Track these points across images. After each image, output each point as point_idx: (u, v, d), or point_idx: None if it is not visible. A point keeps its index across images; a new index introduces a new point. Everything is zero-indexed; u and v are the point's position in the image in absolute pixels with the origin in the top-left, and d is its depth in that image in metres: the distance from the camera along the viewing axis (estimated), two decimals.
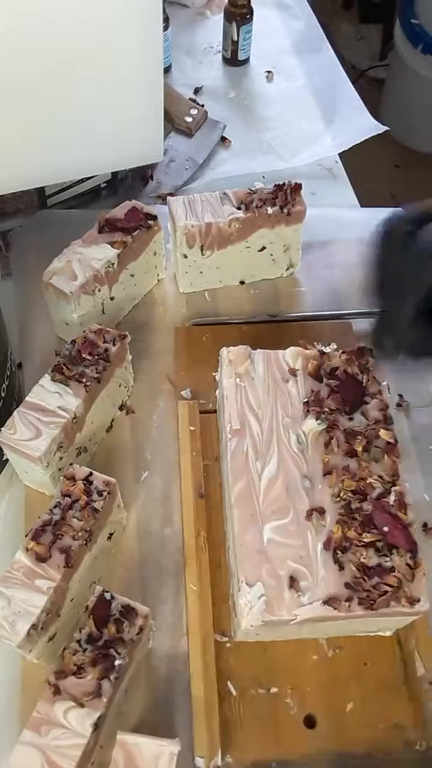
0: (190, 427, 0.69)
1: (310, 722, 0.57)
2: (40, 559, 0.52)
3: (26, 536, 0.53)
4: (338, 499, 0.54)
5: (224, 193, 0.76)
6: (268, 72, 1.10)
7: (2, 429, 0.59)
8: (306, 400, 0.59)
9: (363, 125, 1.00)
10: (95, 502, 0.55)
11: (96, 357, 0.63)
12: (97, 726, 0.47)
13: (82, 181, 0.87)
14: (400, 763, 0.56)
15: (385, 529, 0.52)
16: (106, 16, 0.65)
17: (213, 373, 0.67)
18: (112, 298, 0.74)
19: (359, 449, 0.56)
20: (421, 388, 0.75)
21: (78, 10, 0.63)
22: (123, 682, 0.52)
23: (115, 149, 0.78)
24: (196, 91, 1.07)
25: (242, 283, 0.82)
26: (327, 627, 0.56)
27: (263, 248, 0.79)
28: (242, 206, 0.75)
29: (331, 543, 0.53)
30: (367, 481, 0.55)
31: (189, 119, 0.99)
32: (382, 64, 2.12)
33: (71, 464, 0.58)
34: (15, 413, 0.59)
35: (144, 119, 0.75)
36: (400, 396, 0.74)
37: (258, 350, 0.62)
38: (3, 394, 0.62)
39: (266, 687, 0.58)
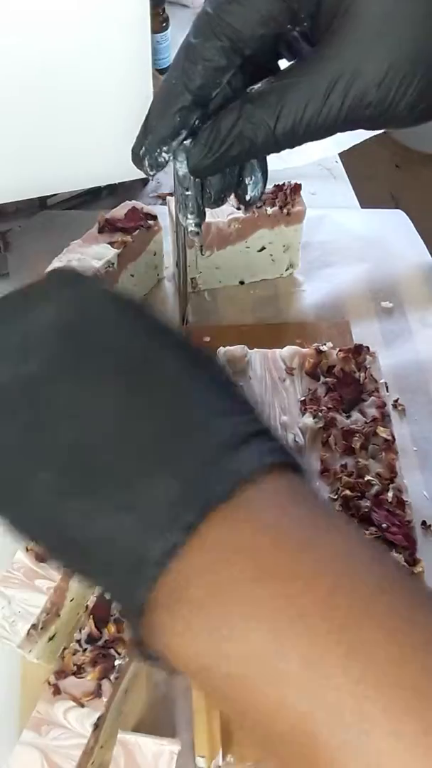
0: None
1: None
2: (40, 559, 0.52)
3: None
4: (336, 497, 0.54)
5: None
6: None
7: None
8: (303, 398, 0.59)
9: None
10: None
11: None
12: (97, 726, 0.47)
13: None
14: None
15: (384, 526, 0.52)
16: (93, 32, 0.65)
17: None
18: None
19: (357, 447, 0.56)
20: (420, 385, 0.75)
21: (65, 24, 0.63)
22: (123, 682, 0.52)
23: (106, 164, 0.78)
24: None
25: (242, 283, 0.82)
26: None
27: (263, 248, 0.79)
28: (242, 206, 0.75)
29: None
30: (365, 479, 0.55)
31: None
32: None
33: None
34: None
35: (134, 136, 0.76)
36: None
37: (255, 350, 0.62)
38: None
39: None
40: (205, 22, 0.34)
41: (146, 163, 0.38)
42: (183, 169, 0.38)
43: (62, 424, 0.26)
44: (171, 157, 0.38)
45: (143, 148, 0.38)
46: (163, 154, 0.37)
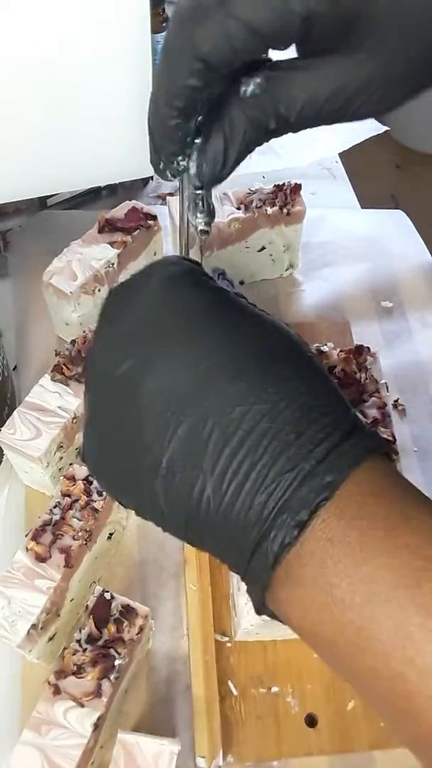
0: None
1: (311, 721, 0.57)
2: (40, 559, 0.52)
3: (26, 536, 0.53)
4: None
5: (224, 194, 0.76)
6: None
7: (2, 429, 0.59)
8: None
9: (363, 125, 1.00)
10: (95, 502, 0.55)
11: None
12: (97, 726, 0.47)
13: None
14: (401, 761, 0.56)
15: None
16: (93, 32, 0.65)
17: None
18: None
19: None
20: (420, 385, 0.75)
21: (65, 24, 0.63)
22: (123, 682, 0.52)
23: (106, 164, 0.78)
24: None
25: (242, 283, 0.82)
26: None
27: (263, 248, 0.79)
28: (242, 206, 0.75)
29: None
30: None
31: None
32: None
33: (71, 464, 0.58)
34: (15, 413, 0.59)
35: (134, 136, 0.76)
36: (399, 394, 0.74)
37: None
38: None
39: (267, 686, 0.58)
40: (174, 38, 0.32)
41: (168, 174, 0.39)
42: (194, 168, 0.38)
43: (181, 417, 0.29)
44: (188, 160, 0.38)
45: (161, 163, 0.38)
46: (180, 162, 0.37)
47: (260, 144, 0.36)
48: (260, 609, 0.30)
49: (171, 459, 0.29)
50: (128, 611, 0.51)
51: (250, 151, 0.36)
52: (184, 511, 0.30)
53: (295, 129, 0.36)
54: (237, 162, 0.36)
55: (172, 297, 0.31)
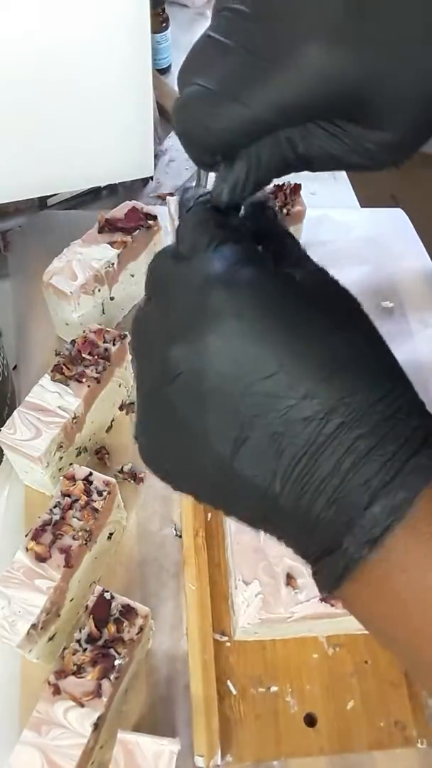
0: None
1: (310, 721, 0.57)
2: (40, 559, 0.52)
3: (26, 536, 0.53)
4: None
5: None
6: None
7: (2, 429, 0.59)
8: None
9: None
10: (95, 502, 0.55)
11: (96, 357, 0.64)
12: (97, 726, 0.47)
13: None
14: (401, 761, 0.56)
15: None
16: (93, 32, 0.65)
17: None
18: (112, 298, 0.74)
19: None
20: (421, 385, 0.75)
21: (65, 25, 0.63)
22: (123, 682, 0.52)
23: (106, 164, 0.78)
24: None
25: None
26: (326, 624, 0.56)
27: None
28: None
29: None
30: None
31: None
32: None
33: (71, 464, 0.58)
34: (15, 413, 0.59)
35: (134, 136, 0.76)
36: None
37: None
38: None
39: (266, 686, 0.58)
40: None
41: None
42: (219, 185, 0.38)
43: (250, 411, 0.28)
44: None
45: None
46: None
47: (281, 176, 0.36)
48: (320, 588, 0.31)
49: (238, 460, 0.28)
50: (128, 611, 0.51)
51: (270, 182, 0.36)
52: (248, 505, 0.30)
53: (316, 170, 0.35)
54: (256, 189, 0.35)
55: (235, 286, 0.29)
